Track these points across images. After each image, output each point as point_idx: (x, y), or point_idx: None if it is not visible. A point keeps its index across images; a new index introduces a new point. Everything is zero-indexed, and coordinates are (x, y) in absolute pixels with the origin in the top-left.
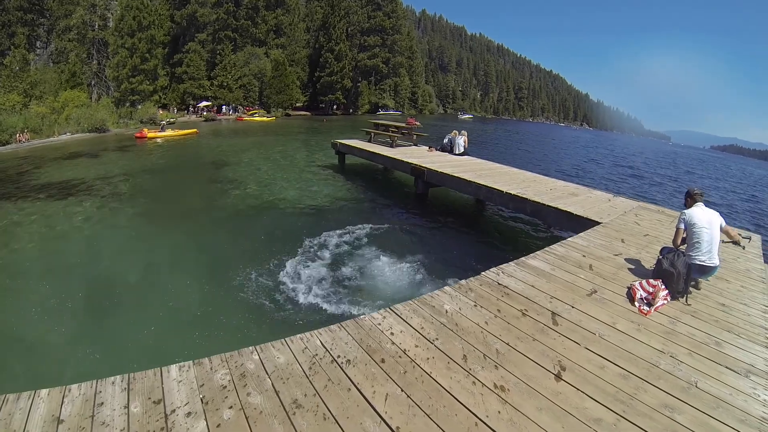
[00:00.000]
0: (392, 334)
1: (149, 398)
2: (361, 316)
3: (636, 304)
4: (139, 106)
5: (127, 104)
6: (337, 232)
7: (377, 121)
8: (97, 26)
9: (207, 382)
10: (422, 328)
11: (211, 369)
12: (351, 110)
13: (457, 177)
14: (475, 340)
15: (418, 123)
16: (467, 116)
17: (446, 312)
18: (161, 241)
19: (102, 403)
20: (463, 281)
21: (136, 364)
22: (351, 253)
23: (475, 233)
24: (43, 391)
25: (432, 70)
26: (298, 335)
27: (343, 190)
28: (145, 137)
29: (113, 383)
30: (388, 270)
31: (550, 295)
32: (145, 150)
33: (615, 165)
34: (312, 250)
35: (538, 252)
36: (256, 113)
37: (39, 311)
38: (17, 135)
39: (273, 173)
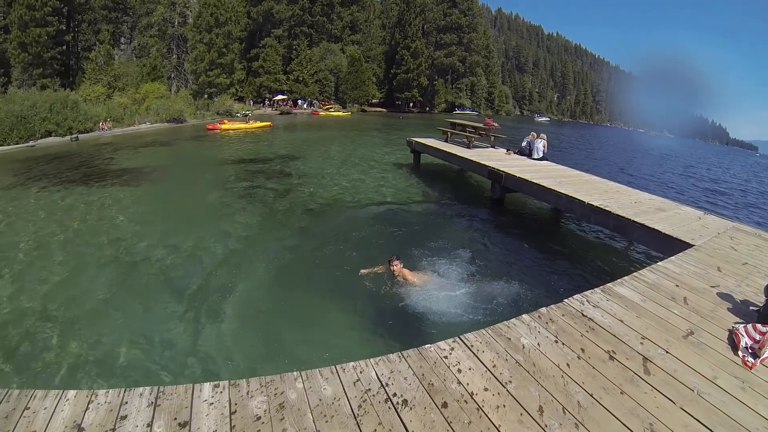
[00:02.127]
0: (459, 371)
1: (175, 419)
2: (426, 346)
3: (740, 353)
4: (216, 99)
5: (205, 96)
6: (407, 235)
7: (454, 121)
8: (176, 23)
9: (240, 409)
10: (494, 366)
11: (248, 394)
12: (427, 108)
13: (536, 183)
14: (554, 386)
15: (496, 124)
16: (544, 119)
17: (523, 347)
18: (224, 232)
19: (125, 417)
20: (543, 309)
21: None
22: (419, 262)
23: (553, 248)
24: (71, 393)
25: (508, 70)
26: (351, 363)
27: (416, 190)
28: (218, 128)
29: (141, 395)
30: (458, 285)
31: (641, 335)
32: (218, 141)
33: (696, 177)
34: (378, 253)
35: (626, 278)
36: (331, 108)
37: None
38: (100, 123)
39: (346, 169)
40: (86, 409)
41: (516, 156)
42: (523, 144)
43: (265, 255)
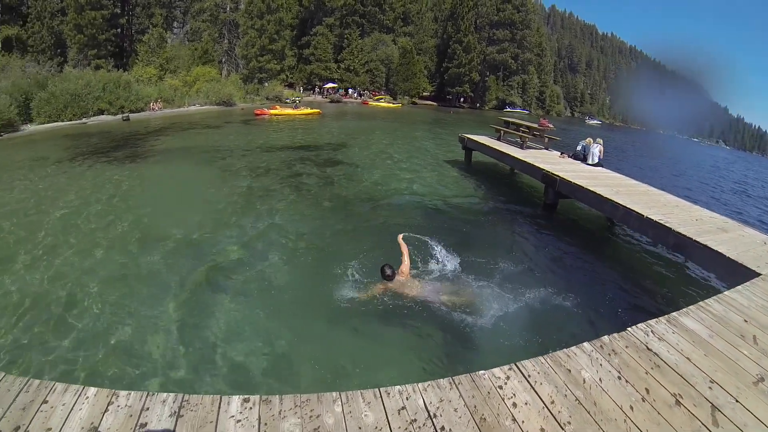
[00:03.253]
0: (515, 405)
1: None
2: (480, 373)
3: None
4: (266, 84)
5: (255, 81)
6: (453, 238)
7: (508, 119)
8: (228, 8)
9: (270, 430)
10: (552, 402)
11: (280, 413)
12: (477, 104)
13: (591, 191)
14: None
15: (551, 125)
16: (595, 122)
17: (584, 382)
18: (265, 219)
19: (145, 425)
20: (605, 338)
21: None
22: (465, 270)
23: (609, 263)
24: (92, 390)
25: (561, 69)
26: (398, 387)
27: (466, 189)
28: (266, 114)
29: (163, 402)
30: (510, 299)
31: (710, 377)
32: (266, 126)
33: (754, 197)
34: (421, 257)
35: (691, 307)
36: (382, 99)
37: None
38: (151, 104)
39: (394, 162)
40: (105, 411)
41: (570, 160)
42: (578, 148)
43: (308, 246)
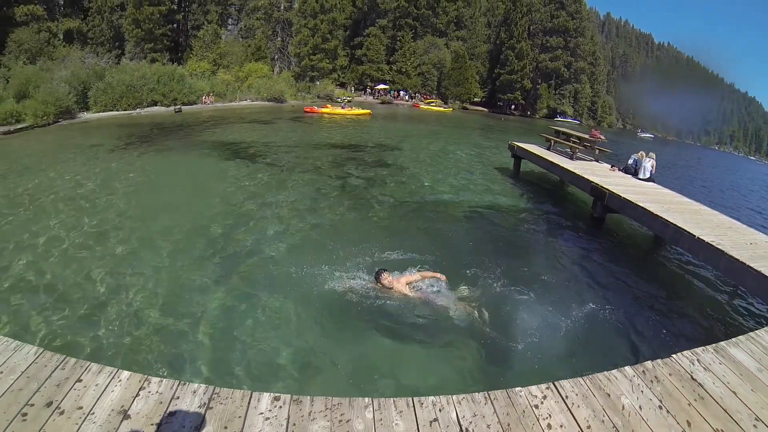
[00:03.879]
0: (549, 426)
1: (225, 427)
2: (516, 389)
3: None
4: (318, 82)
5: (307, 79)
6: (495, 246)
7: (558, 129)
8: (282, 7)
9: (299, 431)
10: (589, 427)
11: (309, 415)
12: (528, 112)
13: (641, 207)
14: None
15: (602, 137)
16: (647, 135)
17: (623, 408)
18: (307, 215)
19: (173, 413)
20: (648, 364)
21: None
22: (506, 281)
23: (656, 283)
24: (125, 374)
25: (614, 79)
26: (431, 398)
27: (513, 198)
28: (317, 111)
29: (194, 393)
30: (550, 314)
31: (755, 414)
32: (316, 124)
33: None
34: (463, 266)
35: (741, 337)
36: (433, 102)
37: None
38: (203, 97)
39: (443, 166)
40: (136, 396)
41: (621, 174)
42: (630, 161)
43: (349, 247)
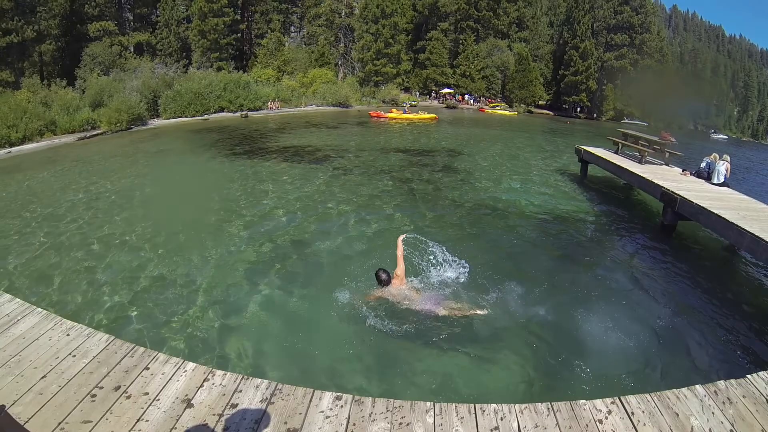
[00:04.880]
0: None
1: (285, 423)
2: (580, 402)
3: None
4: (382, 87)
5: (371, 84)
6: (561, 253)
7: (626, 131)
8: (343, 13)
9: (359, 431)
10: None
11: (370, 416)
12: (594, 115)
13: (715, 214)
14: None
15: (673, 139)
16: (720, 136)
17: (692, 429)
18: (371, 219)
19: (236, 405)
20: (721, 384)
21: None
22: (570, 284)
23: (730, 297)
24: (190, 365)
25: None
26: (493, 406)
27: (579, 202)
28: (383, 116)
29: (257, 387)
30: (614, 324)
31: None
32: (382, 128)
33: None
34: (526, 271)
35: None
36: (497, 106)
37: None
38: (269, 103)
39: (508, 171)
40: (200, 386)
41: (693, 178)
42: (702, 165)
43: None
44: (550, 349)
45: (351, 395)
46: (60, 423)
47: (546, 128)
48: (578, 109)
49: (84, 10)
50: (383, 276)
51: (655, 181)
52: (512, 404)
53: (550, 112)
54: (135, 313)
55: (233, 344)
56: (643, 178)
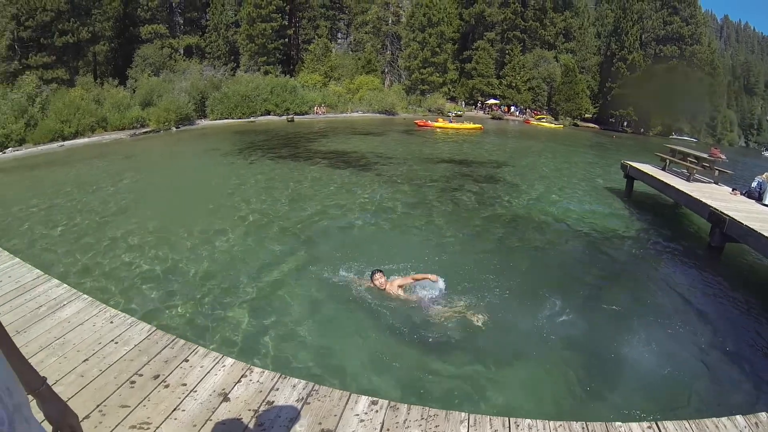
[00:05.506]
0: None
1: (320, 423)
2: (617, 424)
3: None
4: (428, 96)
5: (417, 93)
6: (602, 272)
7: (674, 147)
8: (390, 21)
9: None
10: None
11: (404, 422)
12: (642, 130)
13: (765, 237)
14: None
15: (723, 156)
16: None
17: None
18: (414, 229)
19: (272, 402)
20: (762, 415)
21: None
22: (610, 302)
23: None
24: (229, 360)
25: (735, 91)
26: (528, 421)
27: (623, 220)
28: (429, 125)
29: (293, 386)
30: (656, 347)
31: None
32: (427, 137)
33: None
34: (564, 288)
35: None
36: (543, 118)
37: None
38: (315, 108)
39: (551, 185)
40: (238, 381)
41: (743, 198)
42: (754, 184)
43: (456, 263)
44: (585, 367)
45: (387, 401)
46: (99, 405)
47: (592, 142)
48: (625, 123)
49: (136, 14)
50: (376, 275)
51: (703, 200)
52: (547, 421)
53: (596, 126)
54: (177, 304)
55: (270, 342)
56: (691, 196)
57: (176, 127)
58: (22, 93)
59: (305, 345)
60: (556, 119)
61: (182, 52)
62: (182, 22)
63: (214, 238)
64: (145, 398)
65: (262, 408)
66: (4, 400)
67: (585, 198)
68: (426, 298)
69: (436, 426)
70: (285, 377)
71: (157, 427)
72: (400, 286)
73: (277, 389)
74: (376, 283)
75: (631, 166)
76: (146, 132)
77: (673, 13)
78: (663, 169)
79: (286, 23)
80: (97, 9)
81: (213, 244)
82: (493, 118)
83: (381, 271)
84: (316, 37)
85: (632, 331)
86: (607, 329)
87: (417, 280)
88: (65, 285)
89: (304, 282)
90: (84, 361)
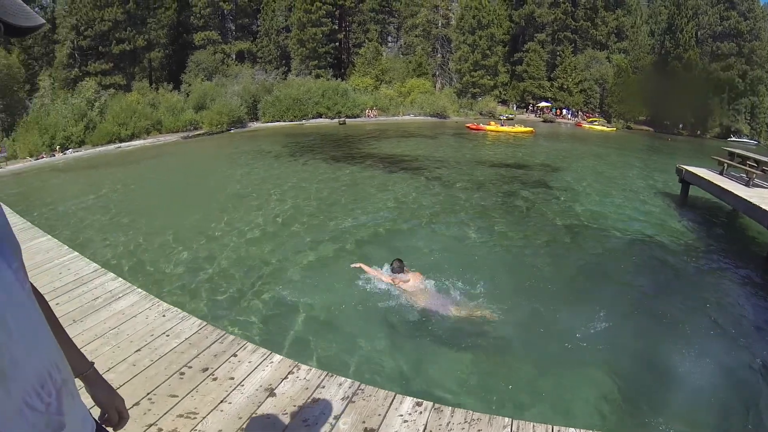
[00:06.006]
0: None
1: (363, 422)
2: None
3: None
4: (479, 99)
5: (468, 96)
6: (652, 283)
7: (733, 150)
8: (440, 24)
9: None
10: None
11: (447, 425)
12: (698, 132)
13: None
14: None
15: None
16: None
17: None
18: (473, 236)
19: (316, 400)
20: None
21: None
22: (665, 317)
23: None
24: (277, 357)
25: None
26: (571, 430)
27: (678, 228)
28: (481, 128)
29: (340, 385)
30: (708, 364)
31: None
32: (479, 140)
33: None
34: (614, 296)
35: None
36: (595, 121)
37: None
38: (367, 111)
39: (603, 190)
40: (284, 378)
41: None
42: None
43: (503, 265)
44: (633, 378)
45: (431, 402)
46: (148, 393)
47: (645, 145)
48: (680, 125)
49: (190, 21)
50: (396, 264)
51: (764, 207)
52: (591, 431)
53: (650, 129)
54: (225, 299)
55: (317, 341)
56: (750, 202)
57: (229, 129)
58: (81, 98)
59: (354, 346)
60: (609, 122)
61: (234, 57)
62: (234, 28)
63: (268, 238)
64: (193, 389)
65: (308, 404)
66: (53, 376)
67: (637, 203)
68: (472, 303)
69: (479, 430)
70: (332, 375)
71: (204, 417)
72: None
73: (323, 387)
74: (397, 270)
75: (686, 170)
76: (199, 134)
77: (730, 8)
78: (720, 173)
79: (336, 27)
80: (152, 18)
81: (264, 243)
82: (545, 121)
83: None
84: (366, 40)
85: (684, 344)
86: (658, 341)
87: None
88: (120, 279)
89: (357, 285)
90: (136, 351)
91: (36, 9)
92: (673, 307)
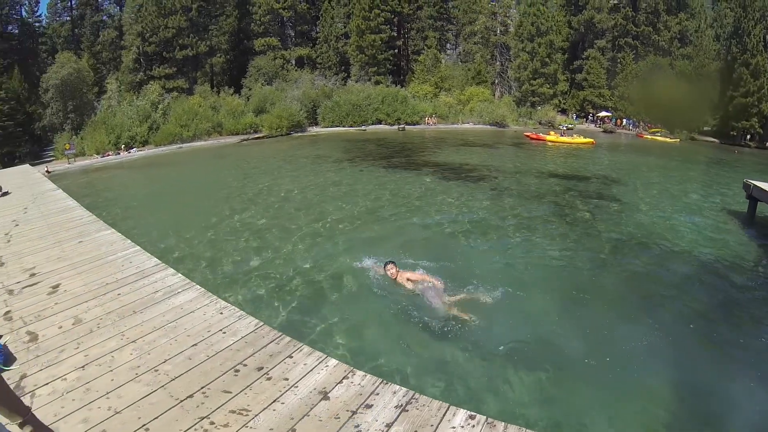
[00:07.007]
0: None
1: (415, 431)
2: None
3: None
4: (539, 108)
5: (527, 104)
6: (716, 307)
7: None
8: (498, 31)
9: None
10: None
11: None
12: (767, 144)
13: None
14: None
15: None
16: None
17: None
18: (530, 247)
19: (370, 406)
20: None
21: None
22: (729, 343)
23: None
24: (333, 361)
25: None
26: None
27: (742, 247)
28: (541, 138)
29: (394, 393)
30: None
31: None
32: (538, 151)
33: None
34: (673, 317)
35: None
36: (657, 132)
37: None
38: (426, 118)
39: (664, 204)
40: (339, 382)
41: None
42: None
43: (558, 277)
44: (684, 401)
45: (485, 416)
46: (203, 387)
47: (710, 158)
48: (748, 136)
49: (250, 28)
50: (388, 266)
51: None
52: None
53: (715, 140)
54: (282, 301)
55: (371, 349)
56: None
57: (288, 133)
58: (146, 100)
59: (407, 354)
60: (672, 133)
61: (294, 62)
62: (293, 34)
63: (323, 243)
64: (247, 387)
65: (360, 410)
66: None
67: (700, 220)
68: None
69: None
70: (386, 383)
71: (256, 415)
72: (409, 279)
73: (377, 393)
74: (388, 273)
75: (754, 185)
76: (259, 137)
77: None
78: None
79: (395, 34)
80: (213, 25)
81: (321, 247)
82: (605, 131)
83: (394, 262)
84: (425, 47)
85: (740, 370)
86: (712, 365)
87: (425, 279)
88: (180, 274)
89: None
90: (193, 345)
91: (104, 17)
92: (731, 331)
